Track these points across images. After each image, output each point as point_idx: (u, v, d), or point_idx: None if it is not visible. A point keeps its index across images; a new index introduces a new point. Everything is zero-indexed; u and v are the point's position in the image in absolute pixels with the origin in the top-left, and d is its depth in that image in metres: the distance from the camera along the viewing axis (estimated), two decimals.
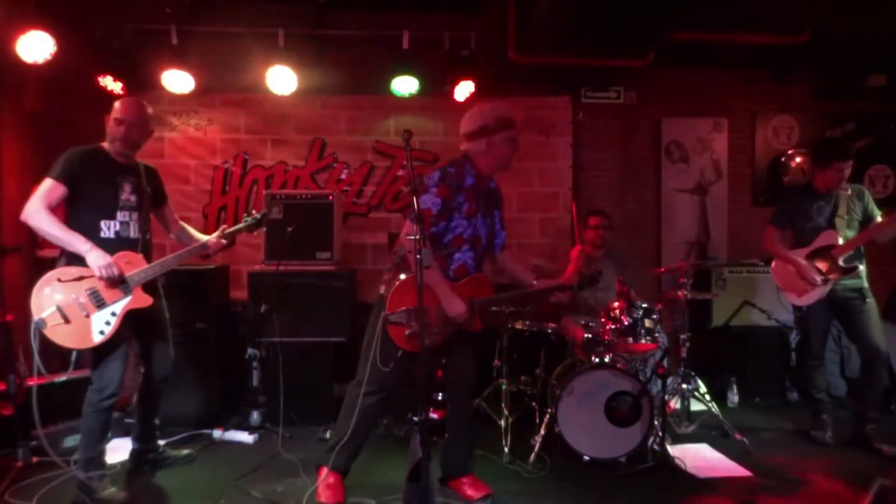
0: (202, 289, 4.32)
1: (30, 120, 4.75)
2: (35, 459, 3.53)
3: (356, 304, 4.63)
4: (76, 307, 2.96)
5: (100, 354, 3.08)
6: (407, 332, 3.01)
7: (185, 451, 3.74)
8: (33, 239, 4.69)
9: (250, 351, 4.33)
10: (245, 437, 4.08)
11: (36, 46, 4.10)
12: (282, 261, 4.23)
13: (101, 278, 2.97)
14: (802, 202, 4.10)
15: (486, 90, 5.13)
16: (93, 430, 3.12)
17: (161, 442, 3.70)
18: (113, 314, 3.03)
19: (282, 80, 4.74)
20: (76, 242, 2.96)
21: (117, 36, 4.63)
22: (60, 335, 2.93)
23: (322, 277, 4.39)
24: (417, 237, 2.58)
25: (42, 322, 2.89)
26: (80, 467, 3.11)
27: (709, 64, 5.62)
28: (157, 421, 3.62)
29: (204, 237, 3.55)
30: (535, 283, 3.26)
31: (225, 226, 3.62)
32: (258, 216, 3.68)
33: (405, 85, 4.85)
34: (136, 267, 3.12)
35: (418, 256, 2.57)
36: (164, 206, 3.57)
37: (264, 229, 4.43)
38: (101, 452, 3.18)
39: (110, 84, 4.63)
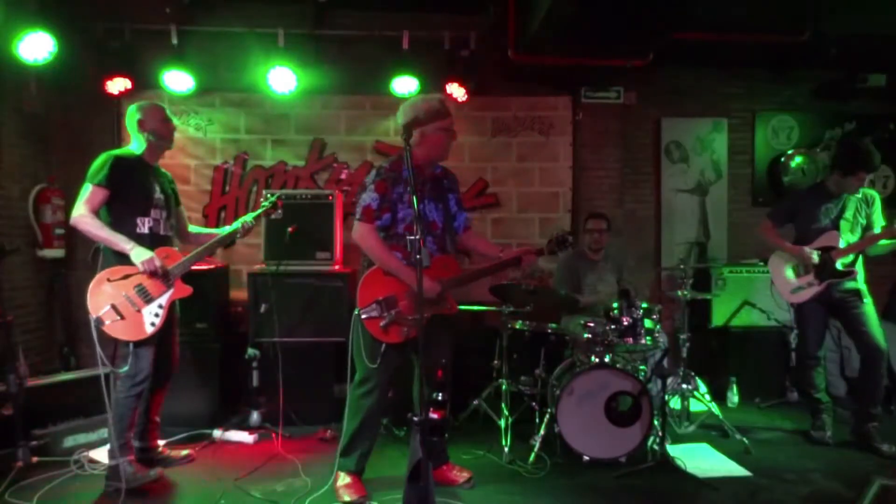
0: (202, 289, 4.30)
1: (30, 120, 4.75)
2: (35, 459, 3.52)
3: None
4: (127, 303, 3.15)
5: (134, 344, 3.20)
6: (382, 323, 3.08)
7: (184, 452, 3.75)
8: (33, 239, 4.70)
9: (250, 351, 4.33)
10: (245, 437, 4.07)
11: (36, 46, 4.10)
12: (282, 261, 4.23)
13: (145, 272, 3.15)
14: (809, 203, 4.07)
15: (486, 90, 5.14)
16: (123, 416, 3.25)
17: (161, 442, 3.70)
18: (160, 306, 3.24)
19: (282, 80, 4.75)
20: (120, 243, 3.15)
21: (117, 36, 4.64)
22: (117, 330, 3.13)
23: (322, 277, 4.40)
24: (417, 237, 2.60)
25: (99, 320, 3.09)
26: (111, 455, 3.23)
27: (709, 64, 5.63)
28: (158, 419, 3.63)
29: (224, 229, 3.69)
30: (501, 254, 3.35)
31: (252, 214, 3.77)
32: (272, 198, 3.87)
33: (405, 85, 4.85)
34: (174, 260, 3.32)
35: (418, 256, 2.59)
36: (178, 209, 3.67)
37: (264, 230, 4.47)
38: (129, 439, 3.31)
39: (113, 84, 4.63)
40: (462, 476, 3.38)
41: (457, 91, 4.90)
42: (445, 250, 3.29)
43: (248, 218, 3.69)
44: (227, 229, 3.65)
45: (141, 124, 3.35)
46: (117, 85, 4.65)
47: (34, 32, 4.07)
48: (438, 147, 3.20)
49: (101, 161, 3.21)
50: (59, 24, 4.20)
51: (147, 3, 4.78)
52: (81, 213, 3.14)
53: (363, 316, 3.10)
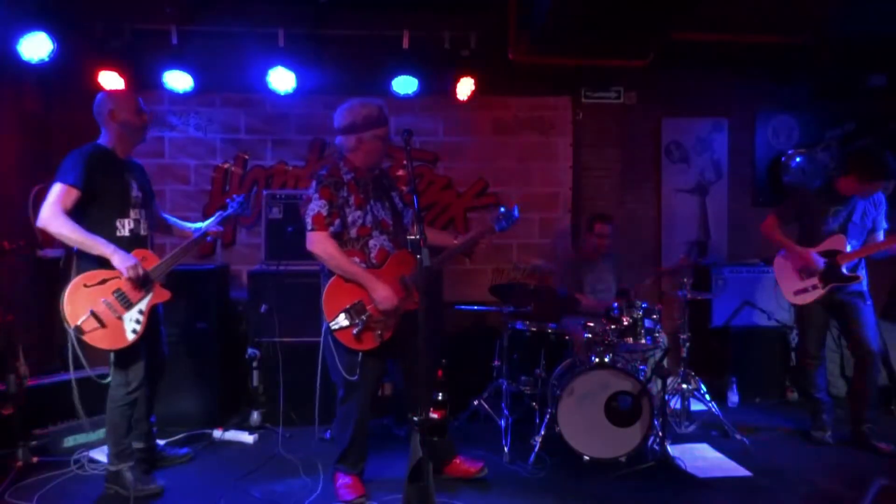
0: (202, 289, 4.32)
1: (30, 120, 4.75)
2: (35, 459, 3.53)
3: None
4: (107, 310, 3.00)
5: (123, 351, 3.10)
6: (354, 331, 3.06)
7: (184, 451, 3.75)
8: (33, 239, 4.69)
9: (250, 351, 4.33)
10: (245, 437, 4.08)
11: (36, 46, 4.09)
12: (282, 261, 4.23)
13: (128, 279, 3.00)
14: (818, 204, 4.05)
15: (486, 90, 5.13)
16: (119, 424, 3.19)
17: (161, 442, 3.70)
18: (140, 312, 3.10)
19: (282, 80, 4.74)
20: (99, 246, 2.97)
21: (117, 36, 4.62)
22: (98, 339, 2.98)
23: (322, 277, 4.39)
24: (417, 237, 2.61)
25: (79, 329, 2.93)
26: (110, 462, 3.20)
27: (709, 64, 5.62)
28: (152, 419, 3.61)
29: (194, 225, 3.59)
30: (456, 241, 3.39)
31: (220, 211, 3.65)
32: (240, 199, 3.72)
33: (405, 85, 4.84)
34: (151, 263, 3.16)
35: (418, 256, 2.60)
36: (153, 205, 3.54)
37: (264, 230, 4.47)
38: (128, 445, 3.26)
39: (111, 83, 4.62)
40: (476, 466, 3.42)
41: (463, 90, 4.90)
42: (400, 246, 3.27)
43: (207, 223, 3.55)
44: (196, 228, 3.53)
45: (112, 114, 3.14)
46: (108, 78, 4.59)
47: (34, 32, 4.06)
48: (374, 154, 3.21)
49: (72, 159, 3.02)
50: (58, 24, 4.19)
51: (147, 3, 4.77)
52: (53, 215, 2.92)
53: (334, 328, 3.06)
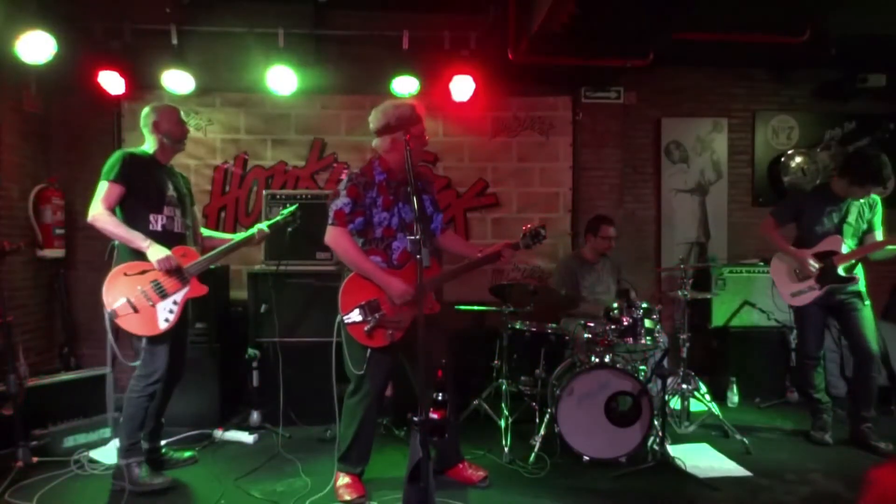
0: None
1: (30, 120, 4.75)
2: (35, 459, 3.52)
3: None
4: (143, 298, 3.18)
5: (153, 339, 3.22)
6: (366, 328, 3.10)
7: (188, 453, 3.75)
8: (33, 239, 4.70)
9: (250, 351, 4.33)
10: (245, 437, 4.08)
11: (36, 46, 4.10)
12: (282, 261, 4.23)
13: (161, 270, 3.17)
14: (814, 204, 4.06)
15: (486, 90, 5.13)
16: (135, 416, 3.26)
17: (162, 442, 3.70)
18: (175, 303, 3.26)
19: (282, 80, 4.74)
20: (137, 240, 3.18)
21: (117, 36, 4.63)
22: (131, 324, 3.15)
23: (322, 277, 4.39)
24: (418, 237, 2.61)
25: (114, 313, 3.11)
26: (121, 455, 3.24)
27: (709, 64, 5.63)
28: (163, 420, 3.62)
29: (239, 235, 3.69)
30: (479, 254, 3.38)
31: (267, 221, 3.82)
32: (290, 208, 3.88)
33: (405, 85, 4.84)
34: (190, 259, 3.35)
35: (418, 256, 2.60)
36: (192, 209, 3.66)
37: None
38: (140, 440, 3.33)
39: (111, 84, 4.62)
40: (478, 475, 3.40)
41: (457, 91, 4.90)
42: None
43: (264, 225, 3.71)
44: (243, 235, 3.65)
45: (156, 125, 3.37)
46: (108, 79, 4.60)
47: (34, 32, 4.07)
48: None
49: (114, 158, 3.24)
50: (59, 24, 4.20)
51: (147, 3, 4.78)
52: (99, 211, 3.15)
53: (346, 322, 3.11)
